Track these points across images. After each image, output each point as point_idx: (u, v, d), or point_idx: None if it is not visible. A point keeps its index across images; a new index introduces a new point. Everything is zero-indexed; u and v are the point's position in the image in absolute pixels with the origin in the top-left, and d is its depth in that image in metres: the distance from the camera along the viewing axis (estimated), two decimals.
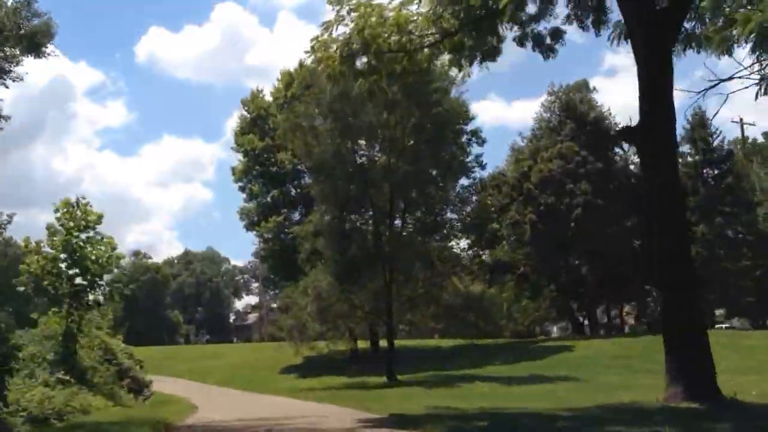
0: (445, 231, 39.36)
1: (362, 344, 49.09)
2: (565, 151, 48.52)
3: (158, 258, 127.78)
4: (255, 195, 49.37)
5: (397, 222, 37.67)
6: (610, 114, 51.73)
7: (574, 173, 48.14)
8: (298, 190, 49.83)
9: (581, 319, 56.46)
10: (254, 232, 50.12)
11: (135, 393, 27.71)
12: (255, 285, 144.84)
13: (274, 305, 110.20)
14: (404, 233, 37.39)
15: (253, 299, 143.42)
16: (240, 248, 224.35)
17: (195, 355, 55.61)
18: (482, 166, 45.07)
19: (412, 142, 35.48)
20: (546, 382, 30.53)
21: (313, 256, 37.90)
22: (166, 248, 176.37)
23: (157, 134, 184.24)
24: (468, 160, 42.53)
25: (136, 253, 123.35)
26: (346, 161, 35.77)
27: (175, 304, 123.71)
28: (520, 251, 50.63)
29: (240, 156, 51.05)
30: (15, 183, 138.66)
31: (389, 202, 36.03)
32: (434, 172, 38.12)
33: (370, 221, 37.26)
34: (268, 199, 48.46)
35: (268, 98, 51.00)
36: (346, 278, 34.98)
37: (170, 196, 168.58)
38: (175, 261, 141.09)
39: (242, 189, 51.71)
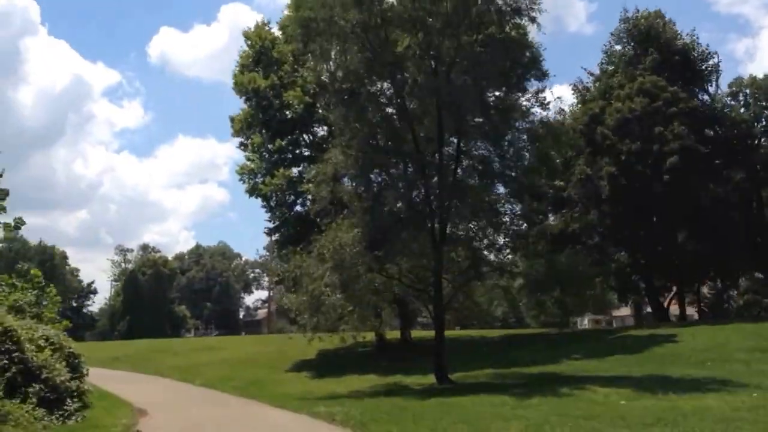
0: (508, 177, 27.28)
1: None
2: (650, 87, 36.48)
3: (172, 255, 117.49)
4: (257, 147, 37.55)
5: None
6: (697, 42, 39.55)
7: (663, 113, 36.06)
8: (311, 138, 38.00)
9: (661, 302, 43.95)
10: (259, 200, 38.25)
11: (50, 406, 16.03)
12: (266, 280, 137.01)
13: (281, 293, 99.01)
14: (460, 177, 25.51)
15: (263, 294, 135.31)
16: (254, 245, 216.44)
17: (188, 348, 43.93)
18: (544, 106, 32.86)
19: (471, 38, 23.69)
20: (701, 389, 18.74)
21: (333, 209, 25.98)
22: (182, 248, 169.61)
23: (172, 134, 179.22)
24: (526, 99, 30.42)
25: (144, 247, 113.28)
26: (376, 68, 24.02)
27: (183, 298, 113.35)
28: (587, 217, 38.53)
29: (241, 103, 39.27)
30: (37, 186, 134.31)
31: (438, 127, 24.22)
32: (497, 94, 26.35)
33: (410, 161, 25.36)
34: (273, 150, 36.56)
35: (276, 33, 39.06)
36: (379, 238, 23.24)
37: (186, 197, 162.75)
38: (186, 256, 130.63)
39: (243, 146, 39.96)
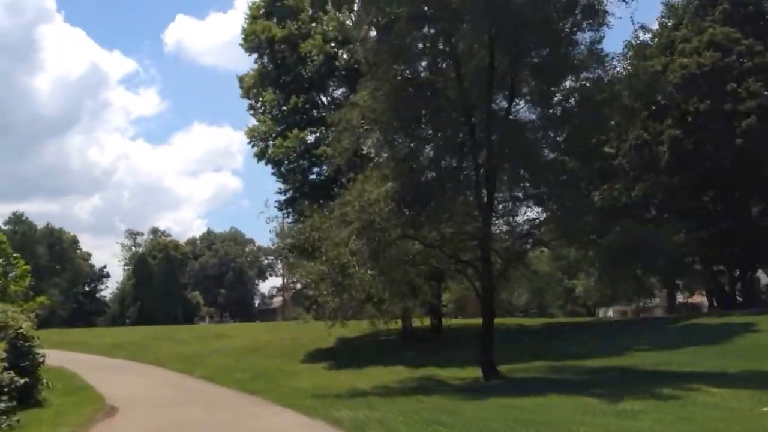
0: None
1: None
2: (721, 39, 31.22)
3: (184, 240, 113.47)
4: (270, 106, 32.75)
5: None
6: None
7: (736, 69, 30.80)
8: (328, 100, 33.19)
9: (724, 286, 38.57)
10: (270, 167, 33.46)
11: None
12: (280, 266, 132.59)
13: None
14: (513, 116, 20.64)
15: (277, 281, 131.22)
16: (267, 231, 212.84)
17: (194, 336, 39.31)
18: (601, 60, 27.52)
19: None
20: None
21: (358, 162, 21.13)
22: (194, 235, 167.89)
23: (188, 122, 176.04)
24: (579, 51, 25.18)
25: (155, 231, 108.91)
26: None
27: (196, 285, 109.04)
28: (643, 185, 33.30)
29: (250, 63, 34.54)
30: (52, 173, 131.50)
31: (489, 60, 19.29)
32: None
33: (453, 106, 20.39)
34: (287, 111, 31.74)
35: None
36: (416, 195, 18.43)
37: (200, 185, 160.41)
38: (198, 241, 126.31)
39: (253, 108, 35.14)
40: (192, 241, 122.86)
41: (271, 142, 32.59)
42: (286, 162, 32.07)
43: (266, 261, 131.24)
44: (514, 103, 20.76)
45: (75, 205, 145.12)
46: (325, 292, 18.10)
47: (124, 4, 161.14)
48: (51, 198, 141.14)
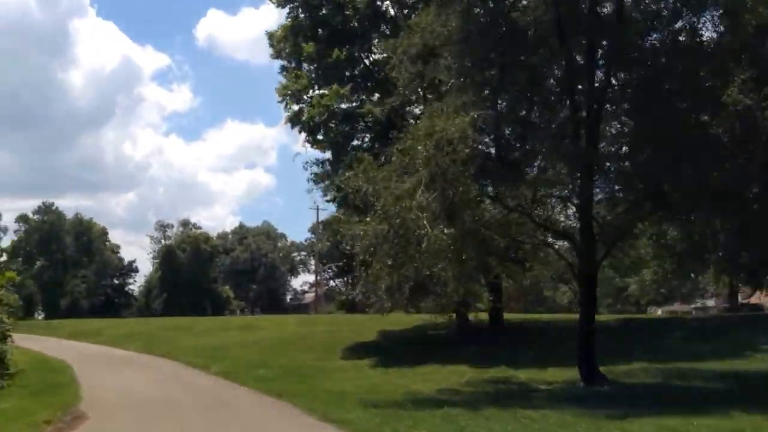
0: None
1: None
2: None
3: (215, 234, 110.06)
4: (306, 57, 27.85)
5: None
6: None
7: None
8: (369, 58, 28.26)
9: None
10: (304, 134, 28.58)
11: None
12: (312, 263, 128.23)
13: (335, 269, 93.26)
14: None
15: (309, 278, 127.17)
16: (300, 229, 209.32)
17: (216, 327, 34.61)
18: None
19: None
20: None
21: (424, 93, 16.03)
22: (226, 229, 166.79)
23: (221, 118, 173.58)
24: None
25: (185, 223, 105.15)
26: None
27: (227, 279, 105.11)
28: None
29: (279, 17, 29.77)
30: (86, 167, 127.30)
31: None
32: None
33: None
34: (327, 64, 26.81)
35: None
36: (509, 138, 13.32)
37: (233, 182, 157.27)
38: (229, 235, 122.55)
39: (284, 69, 30.21)
40: (223, 236, 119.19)
41: (304, 100, 27.71)
42: (321, 128, 27.17)
43: (298, 257, 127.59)
44: None
45: (110, 200, 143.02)
46: (379, 267, 12.93)
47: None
48: (85, 193, 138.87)
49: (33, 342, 32.83)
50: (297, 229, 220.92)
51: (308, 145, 29.30)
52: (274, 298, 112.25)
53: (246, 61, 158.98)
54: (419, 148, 12.56)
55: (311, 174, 29.40)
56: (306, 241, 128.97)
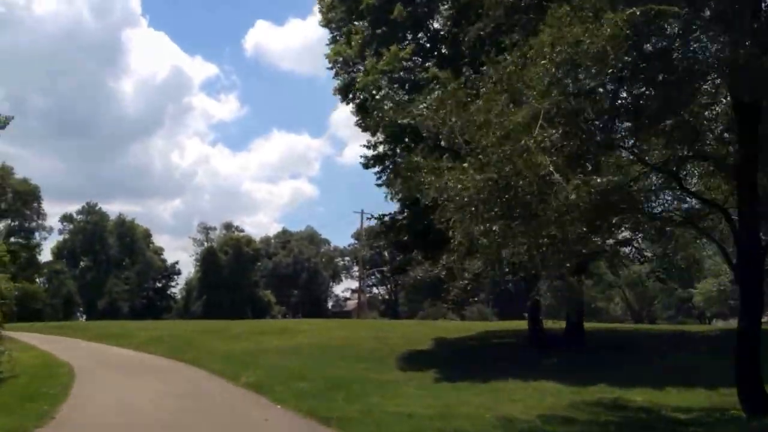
0: None
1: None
2: None
3: (258, 238, 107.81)
4: (359, 16, 23.90)
5: None
6: None
7: None
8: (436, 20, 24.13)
9: None
10: (354, 110, 24.62)
11: None
12: (355, 269, 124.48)
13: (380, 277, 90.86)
14: None
15: (352, 284, 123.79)
16: (343, 236, 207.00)
17: (251, 331, 30.67)
18: None
19: None
20: None
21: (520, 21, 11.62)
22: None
23: (267, 128, 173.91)
24: None
25: (228, 226, 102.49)
26: None
27: (269, 284, 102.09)
28: None
29: None
30: (135, 175, 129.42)
31: None
32: None
33: None
34: (390, 22, 22.73)
35: None
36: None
37: (277, 191, 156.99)
38: (272, 240, 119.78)
39: (333, 41, 26.26)
40: (266, 240, 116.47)
41: (356, 67, 23.72)
42: (373, 100, 23.09)
43: (342, 262, 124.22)
44: None
45: (157, 207, 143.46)
46: (483, 229, 8.65)
47: (205, 9, 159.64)
48: (134, 200, 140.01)
49: (52, 344, 29.63)
50: (340, 234, 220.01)
51: (359, 129, 25.48)
52: (315, 304, 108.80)
53: (292, 71, 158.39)
54: (539, 66, 8.28)
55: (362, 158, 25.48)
56: (349, 246, 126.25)
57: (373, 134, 24.83)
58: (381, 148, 25.06)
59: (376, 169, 25.59)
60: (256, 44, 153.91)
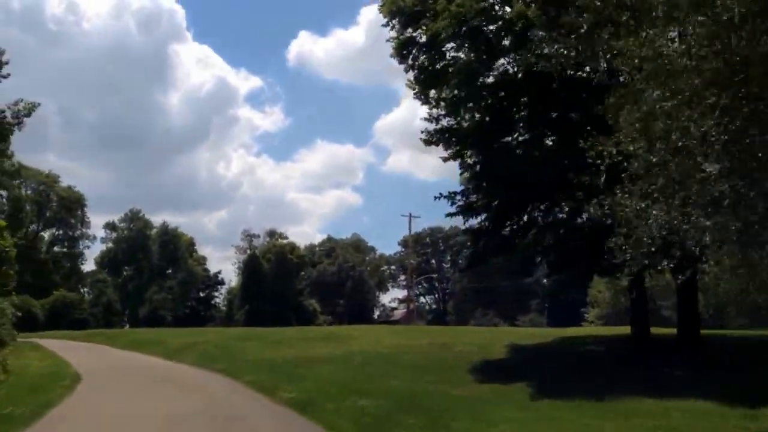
0: None
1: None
2: None
3: (303, 246, 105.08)
4: None
5: None
6: None
7: None
8: None
9: None
10: (412, 76, 20.73)
11: None
12: (402, 278, 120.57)
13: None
14: None
15: (399, 293, 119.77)
16: (388, 244, 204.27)
17: (294, 337, 26.85)
18: None
19: None
20: None
21: None
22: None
23: (311, 139, 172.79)
24: None
25: (271, 233, 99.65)
26: None
27: (314, 293, 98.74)
28: None
29: None
30: (182, 186, 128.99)
31: None
32: None
33: None
34: None
35: None
36: None
37: (322, 201, 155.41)
38: (317, 248, 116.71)
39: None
40: (311, 248, 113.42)
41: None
42: (436, 55, 19.20)
43: (388, 271, 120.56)
44: None
45: (203, 218, 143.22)
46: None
47: (249, 22, 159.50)
48: (179, 211, 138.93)
49: (75, 351, 26.50)
50: (386, 242, 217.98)
51: (419, 102, 21.64)
52: (361, 314, 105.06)
53: (335, 81, 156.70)
54: None
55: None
56: (396, 254, 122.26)
57: (436, 104, 21.00)
58: (444, 122, 21.15)
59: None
60: (299, 55, 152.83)
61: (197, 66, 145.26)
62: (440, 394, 13.44)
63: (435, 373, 17.30)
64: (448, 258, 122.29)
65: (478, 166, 20.63)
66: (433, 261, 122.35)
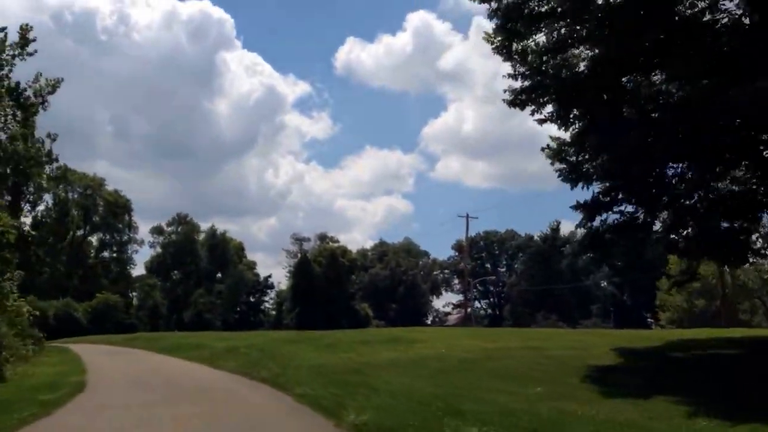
0: None
1: None
2: None
3: (354, 250, 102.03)
4: None
5: None
6: None
7: None
8: None
9: None
10: (493, 26, 16.74)
11: None
12: (456, 282, 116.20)
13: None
14: None
15: (452, 298, 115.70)
16: (439, 250, 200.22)
17: (354, 339, 22.98)
18: None
19: None
20: None
21: None
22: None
23: (359, 145, 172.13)
24: None
25: (322, 237, 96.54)
26: None
27: (366, 297, 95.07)
28: None
29: None
30: (231, 193, 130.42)
31: None
32: None
33: None
34: None
35: None
36: None
37: (371, 208, 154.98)
38: (369, 252, 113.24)
39: None
40: (362, 252, 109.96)
41: None
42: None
43: (441, 275, 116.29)
44: None
45: (252, 225, 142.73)
46: None
47: (296, 29, 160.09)
48: (229, 218, 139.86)
49: (102, 356, 23.37)
50: (439, 246, 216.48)
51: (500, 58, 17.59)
52: (414, 319, 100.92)
53: (383, 87, 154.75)
54: None
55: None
56: (449, 259, 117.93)
57: (522, 58, 16.91)
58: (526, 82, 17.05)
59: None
60: (347, 61, 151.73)
61: (246, 73, 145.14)
62: (570, 415, 9.33)
63: (542, 383, 13.13)
64: (503, 262, 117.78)
65: (589, 124, 16.42)
66: (488, 265, 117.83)
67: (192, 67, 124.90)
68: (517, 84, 17.61)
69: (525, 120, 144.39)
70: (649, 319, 79.88)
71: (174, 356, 23.73)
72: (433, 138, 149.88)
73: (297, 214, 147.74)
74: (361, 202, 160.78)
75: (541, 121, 17.63)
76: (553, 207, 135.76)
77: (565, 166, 17.45)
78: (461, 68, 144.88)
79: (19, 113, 22.56)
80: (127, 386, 13.09)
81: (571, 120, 16.67)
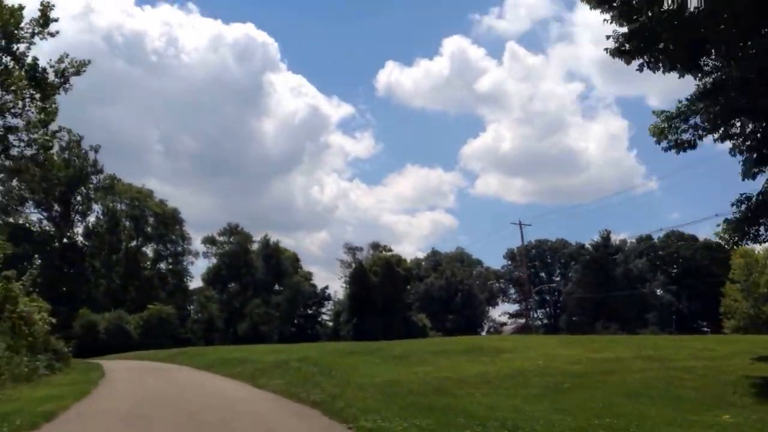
0: None
1: None
2: None
3: (409, 259, 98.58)
4: None
5: None
6: None
7: None
8: None
9: None
10: None
11: None
12: (512, 291, 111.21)
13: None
14: None
15: (509, 308, 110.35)
16: (488, 261, 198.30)
17: (426, 349, 19.10)
18: None
19: None
20: None
21: None
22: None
23: (401, 164, 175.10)
24: None
25: (375, 246, 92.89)
26: None
27: (422, 308, 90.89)
28: None
29: None
30: (280, 209, 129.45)
31: None
32: None
33: None
34: None
35: None
36: None
37: (417, 222, 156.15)
38: (422, 262, 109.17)
39: None
40: (416, 263, 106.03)
41: None
42: None
43: (496, 285, 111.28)
44: None
45: (304, 239, 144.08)
46: None
47: (339, 53, 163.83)
48: (281, 232, 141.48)
49: (127, 375, 20.03)
50: (491, 254, 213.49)
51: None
52: (471, 329, 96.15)
53: (422, 108, 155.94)
54: None
55: None
56: (502, 268, 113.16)
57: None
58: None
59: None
60: (387, 84, 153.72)
61: (291, 94, 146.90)
62: None
63: (711, 406, 9.00)
64: (557, 270, 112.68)
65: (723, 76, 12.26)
66: (543, 274, 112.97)
67: (239, 88, 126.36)
68: (624, 29, 13.53)
69: (561, 139, 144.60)
70: (704, 328, 74.93)
71: (214, 373, 20.26)
72: (472, 156, 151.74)
73: (346, 228, 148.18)
74: (407, 217, 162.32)
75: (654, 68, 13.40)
76: (593, 219, 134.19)
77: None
78: (498, 91, 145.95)
79: (37, 96, 19.76)
80: (118, 419, 9.49)
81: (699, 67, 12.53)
